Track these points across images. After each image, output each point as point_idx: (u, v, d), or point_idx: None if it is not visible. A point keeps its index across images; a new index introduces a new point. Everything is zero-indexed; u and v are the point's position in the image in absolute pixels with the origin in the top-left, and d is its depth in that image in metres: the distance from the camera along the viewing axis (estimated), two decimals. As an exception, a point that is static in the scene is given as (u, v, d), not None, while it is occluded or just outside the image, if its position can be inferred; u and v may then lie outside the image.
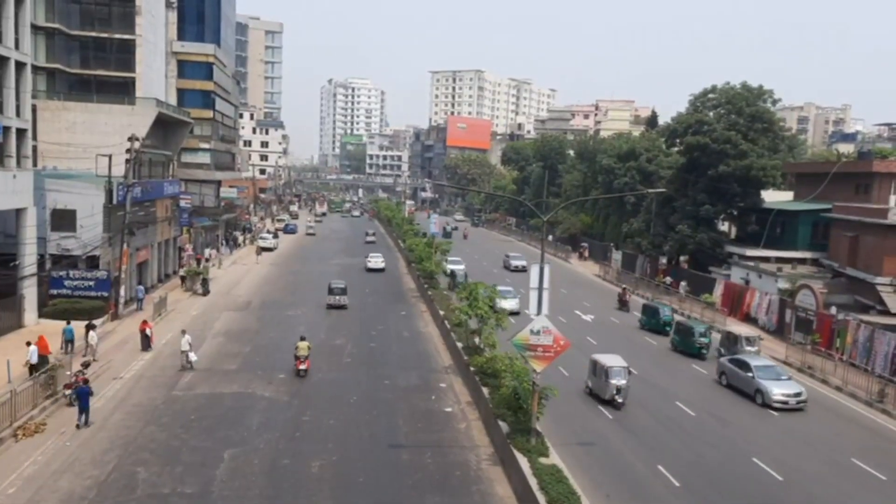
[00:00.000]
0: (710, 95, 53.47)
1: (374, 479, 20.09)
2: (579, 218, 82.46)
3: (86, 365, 27.20)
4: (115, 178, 39.47)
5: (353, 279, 52.58)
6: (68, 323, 32.17)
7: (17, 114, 34.08)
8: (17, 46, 33.83)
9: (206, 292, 47.20)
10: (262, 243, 71.54)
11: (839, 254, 41.94)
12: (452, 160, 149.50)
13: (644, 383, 29.77)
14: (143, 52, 51.67)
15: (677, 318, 40.34)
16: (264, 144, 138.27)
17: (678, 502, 19.32)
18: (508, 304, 41.14)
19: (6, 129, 33.03)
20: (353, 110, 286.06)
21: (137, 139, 40.32)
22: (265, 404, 26.24)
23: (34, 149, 38.89)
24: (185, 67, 66.33)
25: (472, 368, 27.84)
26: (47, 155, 43.93)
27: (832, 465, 22.32)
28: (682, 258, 57.42)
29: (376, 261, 62.51)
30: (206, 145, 68.57)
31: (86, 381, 24.39)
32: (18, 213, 34.83)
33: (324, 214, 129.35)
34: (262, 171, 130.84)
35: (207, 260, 58.01)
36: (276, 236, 78.25)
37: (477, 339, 30.83)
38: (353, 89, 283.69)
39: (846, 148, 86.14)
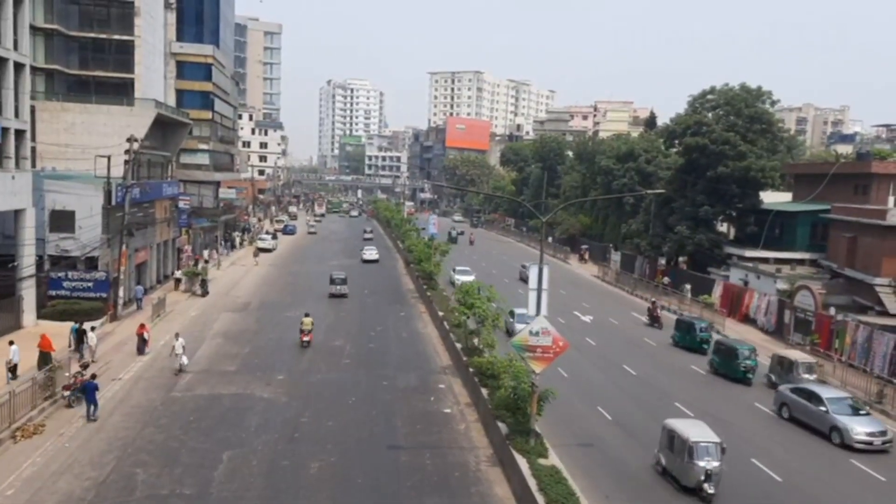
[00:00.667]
0: (709, 96, 53.56)
1: (372, 480, 20.08)
2: (578, 219, 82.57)
3: (84, 366, 27.21)
4: (113, 179, 39.46)
5: (352, 281, 52.49)
6: (76, 322, 32.34)
7: (16, 115, 34.04)
8: (15, 47, 33.81)
9: (204, 293, 47.17)
10: (260, 244, 71.56)
11: (838, 255, 41.99)
12: (451, 161, 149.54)
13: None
14: (141, 53, 51.63)
15: (717, 336, 36.68)
16: (263, 145, 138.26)
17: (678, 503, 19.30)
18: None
19: (5, 130, 33.01)
20: (351, 111, 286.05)
21: (136, 140, 40.30)
22: (264, 405, 26.22)
23: (33, 150, 38.93)
24: (184, 68, 66.31)
25: (471, 369, 27.84)
26: (46, 156, 43.91)
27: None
28: (680, 259, 57.48)
29: (371, 253, 69.59)
30: (204, 146, 68.53)
31: (94, 376, 24.97)
32: (17, 214, 34.80)
33: (322, 215, 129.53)
34: (261, 172, 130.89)
35: (207, 261, 58.00)
36: (274, 237, 78.23)
37: (476, 340, 30.84)
38: (351, 90, 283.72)
39: (845, 149, 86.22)
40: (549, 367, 21.50)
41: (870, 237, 38.72)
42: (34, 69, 42.08)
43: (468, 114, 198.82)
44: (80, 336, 31.01)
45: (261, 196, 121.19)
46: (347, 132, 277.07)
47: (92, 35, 50.57)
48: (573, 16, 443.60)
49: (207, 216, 67.98)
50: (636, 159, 67.54)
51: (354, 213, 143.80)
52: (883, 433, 23.70)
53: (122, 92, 50.38)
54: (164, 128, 53.19)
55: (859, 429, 23.47)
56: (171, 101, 61.73)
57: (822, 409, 24.65)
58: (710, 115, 53.11)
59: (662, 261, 58.19)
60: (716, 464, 19.06)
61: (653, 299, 47.15)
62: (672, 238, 53.74)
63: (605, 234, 75.56)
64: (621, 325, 43.35)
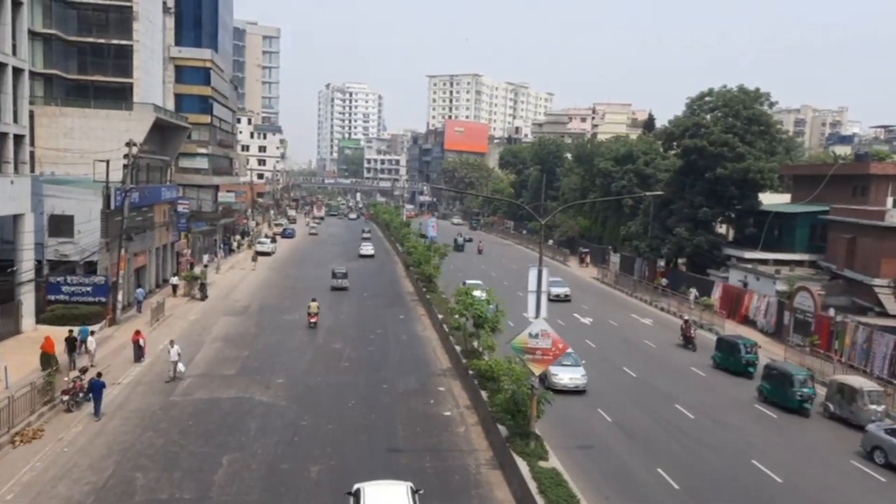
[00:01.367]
0: (707, 98, 53.63)
1: (373, 483, 20.02)
2: (577, 221, 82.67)
3: (83, 370, 27.15)
4: (112, 183, 39.43)
5: (352, 283, 54.16)
6: (83, 323, 32.40)
7: (15, 119, 34.06)
8: (14, 52, 33.83)
9: (204, 297, 47.14)
10: (259, 248, 71.49)
11: (837, 256, 42.00)
12: (450, 164, 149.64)
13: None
14: (140, 58, 51.62)
15: (766, 359, 32.85)
16: (262, 149, 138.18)
17: (678, 505, 19.21)
18: (568, 376, 28.73)
19: (4, 135, 33.05)
20: (350, 115, 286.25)
21: (135, 144, 40.30)
22: (263, 409, 26.19)
23: (32, 154, 38.89)
24: (183, 73, 66.34)
25: (470, 372, 27.82)
26: (45, 160, 43.89)
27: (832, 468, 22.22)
28: (680, 261, 57.50)
29: (367, 248, 76.65)
30: (203, 150, 68.52)
31: (99, 375, 25.34)
32: (16, 218, 34.79)
33: (322, 218, 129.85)
34: (260, 176, 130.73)
35: (206, 265, 57.94)
36: (273, 241, 78.22)
37: (475, 343, 30.81)
38: (350, 94, 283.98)
39: (843, 150, 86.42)
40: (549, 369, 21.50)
41: (869, 238, 38.74)
42: (33, 74, 42.06)
43: (467, 116, 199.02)
44: (71, 345, 29.92)
45: (260, 200, 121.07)
46: (346, 135, 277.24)
47: (90, 40, 50.56)
48: (572, 18, 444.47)
49: (206, 220, 67.98)
50: (635, 161, 67.59)
51: (353, 215, 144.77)
52: None
53: (120, 96, 50.35)
54: (163, 132, 53.19)
55: None
56: (170, 106, 61.73)
57: None
58: (708, 116, 53.18)
59: (662, 262, 58.21)
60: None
61: (685, 317, 41.80)
62: (671, 240, 53.77)
63: (604, 236, 75.61)
64: (621, 327, 43.32)
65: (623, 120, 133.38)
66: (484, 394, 25.11)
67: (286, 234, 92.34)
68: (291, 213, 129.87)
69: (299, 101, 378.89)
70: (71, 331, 30.75)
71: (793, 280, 42.00)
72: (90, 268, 39.33)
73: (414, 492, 16.78)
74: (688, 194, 52.97)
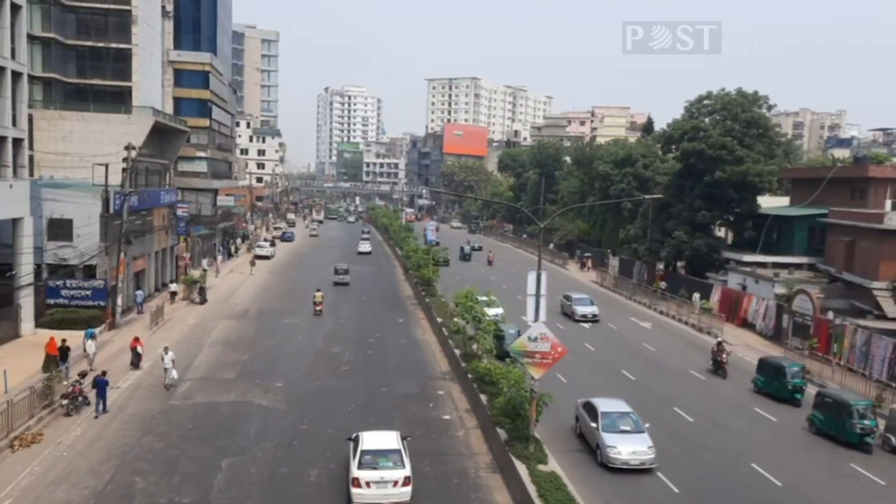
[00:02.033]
0: (706, 101, 53.69)
1: (372, 487, 20.00)
2: (576, 224, 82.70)
3: (83, 374, 27.12)
4: (111, 187, 39.43)
5: (351, 284, 55.68)
6: (87, 326, 32.53)
7: (14, 123, 34.07)
8: (13, 56, 33.86)
9: (203, 301, 47.12)
10: (259, 252, 71.38)
11: (835, 259, 42.04)
12: (449, 167, 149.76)
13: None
14: (139, 62, 51.69)
15: (816, 384, 30.00)
16: (261, 153, 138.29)
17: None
18: (629, 449, 21.27)
19: (2, 139, 33.05)
20: (349, 118, 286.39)
21: (134, 148, 40.29)
22: (263, 413, 26.17)
23: (30, 158, 38.89)
24: (182, 76, 66.43)
25: (469, 376, 27.82)
26: (44, 164, 43.91)
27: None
28: (678, 264, 57.52)
29: (365, 246, 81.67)
30: (202, 154, 68.58)
31: (104, 373, 25.64)
32: (15, 222, 34.76)
33: (321, 222, 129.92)
34: (259, 180, 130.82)
35: (205, 269, 57.93)
36: (273, 244, 78.16)
37: (475, 346, 30.81)
38: (349, 97, 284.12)
39: (842, 153, 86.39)
40: (548, 372, 21.49)
41: (867, 241, 38.78)
42: (32, 78, 42.10)
43: (466, 120, 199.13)
44: (64, 353, 29.13)
45: (259, 203, 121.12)
46: (345, 139, 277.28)
47: (89, 43, 50.63)
48: (570, 21, 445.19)
49: (205, 224, 67.94)
50: (634, 164, 67.66)
51: (351, 218, 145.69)
52: None
53: (119, 100, 50.41)
54: (162, 135, 53.22)
55: None
56: (169, 109, 61.80)
57: None
58: (706, 120, 53.21)
59: (660, 266, 58.25)
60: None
61: (719, 339, 35.77)
62: (670, 243, 53.80)
63: (602, 239, 75.63)
64: (620, 330, 43.32)
65: (622, 123, 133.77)
66: (483, 397, 25.11)
67: (285, 238, 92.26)
68: (290, 216, 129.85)
69: (298, 104, 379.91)
70: (64, 340, 29.64)
71: (791, 283, 42.03)
72: (89, 271, 39.29)
73: (403, 437, 20.15)
74: (686, 197, 53.01)
